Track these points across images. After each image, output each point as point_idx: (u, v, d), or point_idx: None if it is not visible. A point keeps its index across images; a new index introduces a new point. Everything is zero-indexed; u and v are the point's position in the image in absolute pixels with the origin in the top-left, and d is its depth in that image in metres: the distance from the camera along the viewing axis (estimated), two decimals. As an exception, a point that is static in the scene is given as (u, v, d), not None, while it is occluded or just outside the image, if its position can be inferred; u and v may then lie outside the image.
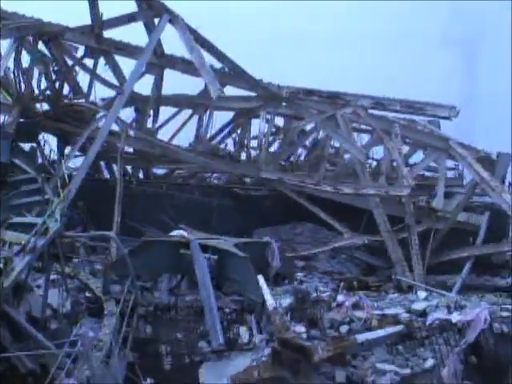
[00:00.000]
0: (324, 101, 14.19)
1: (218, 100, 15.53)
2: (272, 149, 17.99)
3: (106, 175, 16.14)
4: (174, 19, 12.94)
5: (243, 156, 17.37)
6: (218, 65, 14.57)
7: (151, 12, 13.27)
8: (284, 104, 15.04)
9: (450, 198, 15.12)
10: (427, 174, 17.32)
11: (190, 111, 16.90)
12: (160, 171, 17.33)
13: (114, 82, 14.83)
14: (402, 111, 14.07)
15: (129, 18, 13.47)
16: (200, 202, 14.59)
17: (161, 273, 9.96)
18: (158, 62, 14.58)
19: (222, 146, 16.04)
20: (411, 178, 12.78)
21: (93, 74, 14.31)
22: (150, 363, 9.03)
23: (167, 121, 15.94)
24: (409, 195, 12.54)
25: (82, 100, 14.22)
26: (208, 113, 16.10)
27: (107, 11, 13.99)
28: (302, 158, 18.77)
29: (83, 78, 15.38)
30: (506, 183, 15.32)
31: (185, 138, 17.58)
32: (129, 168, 16.14)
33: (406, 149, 17.63)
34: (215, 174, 17.51)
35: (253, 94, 15.20)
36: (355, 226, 14.31)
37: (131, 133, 13.29)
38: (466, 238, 14.20)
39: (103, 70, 15.14)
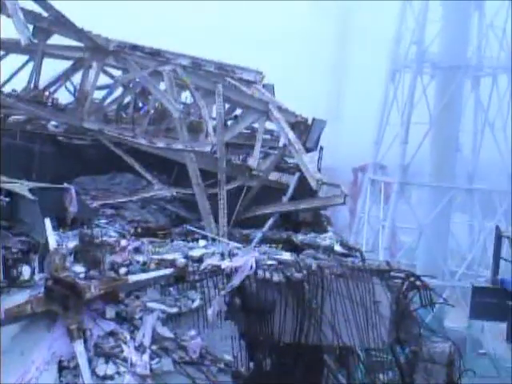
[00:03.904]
0: (147, 57, 14.69)
1: (46, 47, 15.83)
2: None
3: None
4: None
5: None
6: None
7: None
8: (111, 57, 15.35)
9: (266, 158, 16.20)
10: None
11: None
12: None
13: None
14: (216, 72, 14.81)
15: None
16: (21, 148, 14.78)
17: (-49, 212, 10.25)
18: (-17, 4, 14.51)
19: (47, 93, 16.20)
20: (216, 135, 13.55)
21: None
22: None
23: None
24: (212, 152, 13.34)
25: None
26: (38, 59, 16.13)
27: None
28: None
29: None
30: (318, 147, 16.59)
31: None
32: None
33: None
34: (53, 122, 17.67)
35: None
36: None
37: None
38: (276, 196, 15.24)
39: None
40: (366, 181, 49.62)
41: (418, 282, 10.91)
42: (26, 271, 9.64)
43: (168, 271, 9.61)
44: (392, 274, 10.88)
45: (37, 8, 14.91)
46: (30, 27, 14.34)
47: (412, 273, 11.02)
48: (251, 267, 9.98)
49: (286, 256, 10.65)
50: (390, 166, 49.01)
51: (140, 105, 19.35)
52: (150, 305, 9.43)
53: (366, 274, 10.60)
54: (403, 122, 44.80)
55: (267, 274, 10.05)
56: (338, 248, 11.60)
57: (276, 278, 10.05)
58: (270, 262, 10.27)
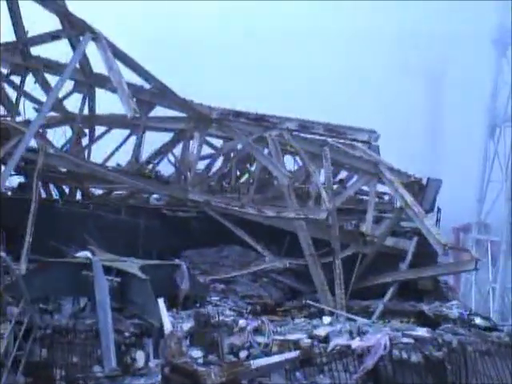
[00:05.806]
0: (251, 123, 14.17)
1: (148, 120, 15.59)
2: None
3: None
4: (97, 38, 12.83)
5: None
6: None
7: (73, 31, 13.15)
8: (214, 125, 14.93)
9: (379, 222, 15.16)
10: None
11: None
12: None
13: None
14: (325, 134, 14.09)
15: (53, 36, 13.36)
16: (126, 223, 14.33)
17: (60, 295, 9.72)
18: (87, 80, 14.43)
19: (150, 166, 15.88)
20: (330, 201, 12.70)
21: (20, 91, 14.13)
22: (42, 388, 8.79)
23: (96, 140, 15.78)
24: (327, 219, 12.47)
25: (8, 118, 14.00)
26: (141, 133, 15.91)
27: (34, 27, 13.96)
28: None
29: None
30: (435, 208, 15.45)
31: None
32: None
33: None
34: (155, 195, 17.31)
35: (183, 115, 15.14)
36: (282, 248, 14.26)
37: (51, 151, 13.03)
38: (393, 263, 14.14)
39: (33, 87, 15.10)
40: (470, 240, 47.34)
41: None
42: (140, 357, 8.90)
43: (293, 354, 8.65)
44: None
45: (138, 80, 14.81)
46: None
47: None
48: (385, 346, 8.90)
49: (422, 332, 9.50)
50: (494, 224, 46.76)
51: (237, 173, 18.85)
52: (276, 393, 8.49)
53: (516, 351, 9.31)
54: (507, 178, 42.84)
55: (404, 354, 8.93)
56: (478, 321, 10.34)
57: (414, 358, 8.91)
58: (405, 340, 9.14)
